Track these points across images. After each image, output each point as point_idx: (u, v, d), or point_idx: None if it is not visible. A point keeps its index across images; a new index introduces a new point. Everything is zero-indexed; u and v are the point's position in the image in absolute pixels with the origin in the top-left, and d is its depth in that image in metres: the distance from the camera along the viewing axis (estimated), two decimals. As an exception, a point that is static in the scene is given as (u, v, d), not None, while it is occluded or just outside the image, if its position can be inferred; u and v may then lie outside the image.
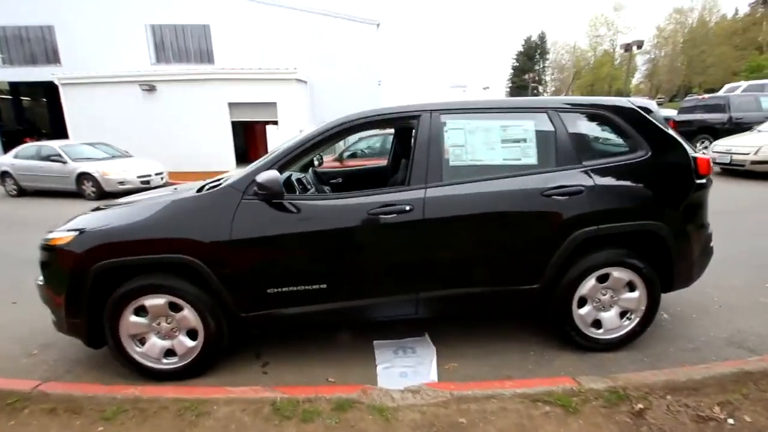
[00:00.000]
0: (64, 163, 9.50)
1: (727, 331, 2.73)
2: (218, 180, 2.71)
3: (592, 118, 2.52)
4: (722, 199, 5.43)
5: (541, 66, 54.08)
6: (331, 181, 3.69)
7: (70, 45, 16.92)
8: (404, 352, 2.62)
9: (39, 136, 18.92)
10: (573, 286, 2.40)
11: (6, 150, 13.71)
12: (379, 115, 2.46)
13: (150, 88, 13.32)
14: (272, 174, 2.14)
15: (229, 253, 2.19)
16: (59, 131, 15.47)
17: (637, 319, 2.51)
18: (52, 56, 17.41)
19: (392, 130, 4.22)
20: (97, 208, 2.64)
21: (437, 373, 2.39)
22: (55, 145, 10.16)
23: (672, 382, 2.07)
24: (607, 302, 2.49)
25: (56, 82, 13.46)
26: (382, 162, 4.28)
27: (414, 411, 1.96)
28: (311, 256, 2.28)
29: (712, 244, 2.64)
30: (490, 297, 2.43)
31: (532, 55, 54.52)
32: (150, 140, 12.95)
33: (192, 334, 2.31)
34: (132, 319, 2.26)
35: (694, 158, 2.46)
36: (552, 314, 2.48)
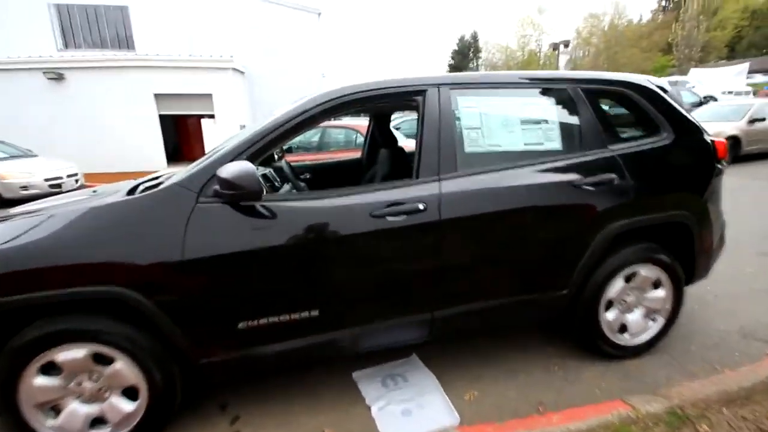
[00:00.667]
0: (-56, 165, 7.72)
1: (735, 323, 2.61)
2: (155, 178, 2.04)
3: (611, 96, 2.24)
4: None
5: (475, 64, 55.75)
6: (301, 176, 3.10)
7: (-53, 25, 14.08)
8: (394, 382, 2.14)
9: None
10: (600, 289, 2.09)
11: None
12: (373, 89, 1.87)
13: (57, 76, 11.41)
14: (244, 166, 1.53)
15: (181, 278, 1.57)
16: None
17: (663, 320, 2.27)
18: None
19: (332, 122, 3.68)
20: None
21: (454, 406, 1.95)
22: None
23: (725, 393, 1.85)
24: (632, 304, 2.22)
25: (-70, 68, 11.07)
26: (325, 157, 3.71)
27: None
28: (299, 275, 1.71)
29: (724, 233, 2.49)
30: (515, 308, 2.04)
31: (466, 54, 56.20)
32: (59, 137, 11.14)
33: (130, 393, 1.66)
34: (38, 382, 1.57)
35: (713, 141, 2.28)
36: (577, 322, 2.16)
